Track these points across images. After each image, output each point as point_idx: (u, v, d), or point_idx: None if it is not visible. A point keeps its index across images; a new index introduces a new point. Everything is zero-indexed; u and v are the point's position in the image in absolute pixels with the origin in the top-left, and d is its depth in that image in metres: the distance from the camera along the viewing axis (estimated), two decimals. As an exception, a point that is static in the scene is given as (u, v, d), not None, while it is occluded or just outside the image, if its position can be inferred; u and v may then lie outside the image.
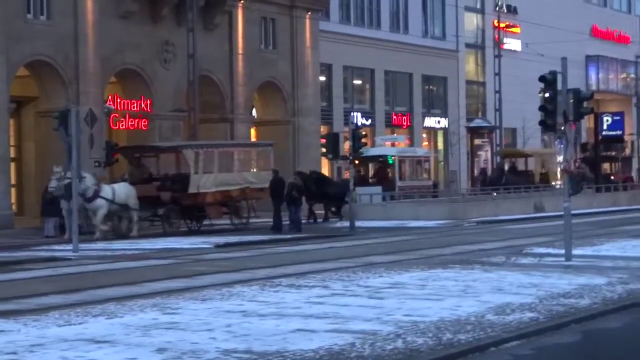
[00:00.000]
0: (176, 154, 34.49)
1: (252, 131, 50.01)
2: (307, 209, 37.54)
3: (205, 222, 34.53)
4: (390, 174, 41.02)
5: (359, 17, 61.66)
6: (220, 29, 45.78)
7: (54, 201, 31.60)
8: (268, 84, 49.61)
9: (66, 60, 38.53)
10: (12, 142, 39.42)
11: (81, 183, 26.84)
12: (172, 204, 31.85)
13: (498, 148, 66.86)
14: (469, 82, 71.64)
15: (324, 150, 40.85)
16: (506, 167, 58.09)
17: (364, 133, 42.63)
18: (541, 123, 25.06)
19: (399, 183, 38.75)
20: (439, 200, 49.78)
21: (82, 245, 27.47)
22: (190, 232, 32.63)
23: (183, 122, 43.54)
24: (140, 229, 32.28)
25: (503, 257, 22.95)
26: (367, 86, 63.66)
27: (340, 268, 21.16)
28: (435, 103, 68.91)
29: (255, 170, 35.69)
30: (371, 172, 44.18)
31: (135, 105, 42.69)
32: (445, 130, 68.57)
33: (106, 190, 28.74)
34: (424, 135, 68.06)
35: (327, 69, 57.25)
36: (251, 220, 35.07)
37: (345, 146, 43.00)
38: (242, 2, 46.26)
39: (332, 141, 39.47)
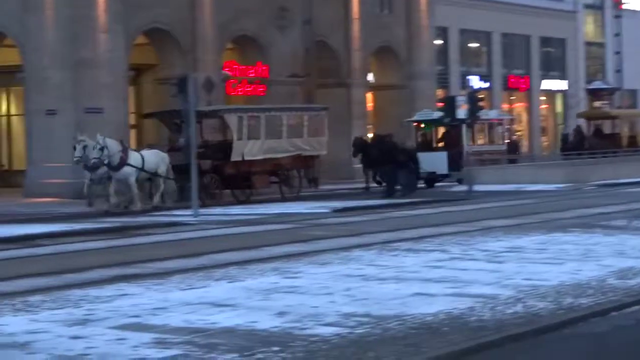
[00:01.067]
0: (218, 118, 31.78)
1: (369, 95, 49.15)
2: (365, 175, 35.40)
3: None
4: (457, 138, 37.16)
5: None
6: None
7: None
8: (384, 49, 48.65)
9: (184, 27, 38.59)
10: (131, 109, 39.86)
11: (104, 150, 25.53)
12: (212, 173, 29.40)
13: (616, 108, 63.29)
14: (587, 44, 69.42)
15: (441, 113, 39.62)
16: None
17: (481, 96, 42.56)
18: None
19: (467, 148, 35.55)
20: (558, 163, 49.05)
21: (202, 211, 27.39)
22: (240, 202, 30.11)
23: (299, 88, 42.71)
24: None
25: (625, 220, 22.08)
26: (484, 49, 62.46)
27: (458, 232, 20.63)
28: (554, 65, 66.96)
29: (306, 136, 33.03)
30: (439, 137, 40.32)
31: (252, 71, 42.64)
32: (564, 93, 67.06)
33: (135, 156, 26.80)
34: (542, 98, 66.24)
35: (442, 32, 55.87)
36: (307, 191, 32.29)
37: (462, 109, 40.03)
38: None
39: (449, 105, 38.38)
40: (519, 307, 10.42)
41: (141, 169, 26.42)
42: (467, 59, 59.19)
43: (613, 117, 53.03)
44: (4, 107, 42.48)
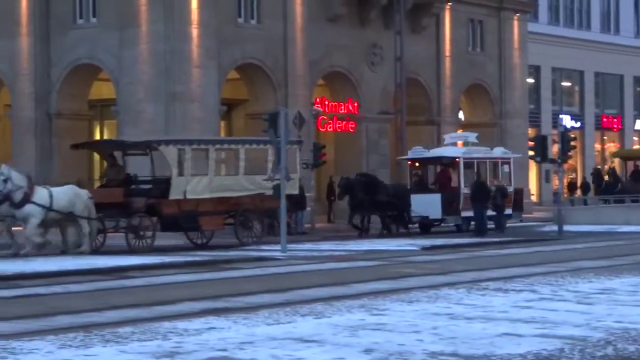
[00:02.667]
0: (151, 150, 27.01)
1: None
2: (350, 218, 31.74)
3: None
4: (453, 179, 33.51)
5: (568, 18, 59.73)
6: (427, 31, 43.85)
7: None
8: (475, 86, 47.41)
9: (275, 63, 38.07)
10: None
11: (7, 184, 22.15)
12: (144, 213, 25.10)
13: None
14: None
15: (531, 153, 37.90)
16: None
17: (573, 136, 40.41)
18: None
19: (464, 189, 32.32)
20: None
21: (290, 246, 26.51)
22: (197, 246, 26.42)
23: (390, 125, 41.76)
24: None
25: None
26: (576, 88, 61.41)
27: (548, 272, 19.85)
28: None
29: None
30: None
31: (342, 107, 41.58)
32: None
33: (41, 193, 22.84)
34: (635, 138, 64.26)
35: (534, 70, 54.79)
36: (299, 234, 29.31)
37: (554, 149, 38.88)
38: (449, 4, 44.70)
39: (540, 144, 36.29)
40: (609, 350, 9.61)
41: (48, 208, 22.66)
42: (559, 98, 58.21)
43: None
44: (100, 138, 42.21)
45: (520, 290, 15.73)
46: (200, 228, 26.21)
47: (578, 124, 56.38)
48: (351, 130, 40.74)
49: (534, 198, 51.50)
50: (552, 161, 37.31)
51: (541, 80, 55.80)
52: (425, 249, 27.40)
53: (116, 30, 35.93)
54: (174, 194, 24.90)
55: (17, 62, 38.94)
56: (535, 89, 54.68)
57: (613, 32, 61.03)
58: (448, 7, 44.38)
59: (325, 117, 40.07)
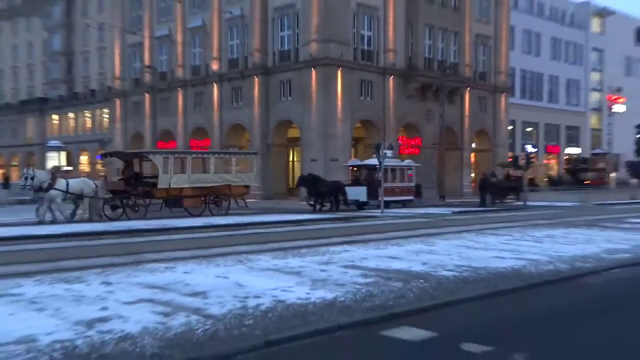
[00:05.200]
0: (147, 158, 28.33)
1: (473, 155, 50.29)
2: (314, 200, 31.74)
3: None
4: (376, 178, 32.13)
5: (530, 95, 63.83)
6: (456, 103, 46.81)
7: None
8: (481, 130, 50.67)
9: (379, 118, 43.05)
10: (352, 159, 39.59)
11: (34, 180, 22.22)
12: (133, 195, 25.38)
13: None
14: (592, 129, 71.53)
15: (509, 161, 40.96)
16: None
17: (532, 156, 42.98)
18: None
19: (384, 184, 31.06)
20: (575, 191, 49.77)
21: (386, 211, 29.19)
22: (193, 216, 26.42)
23: (437, 151, 43.25)
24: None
25: (612, 223, 22.22)
26: (534, 131, 65.31)
27: (519, 225, 21.28)
28: (573, 140, 69.30)
29: (234, 172, 28.29)
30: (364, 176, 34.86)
31: (412, 141, 45.57)
32: (578, 155, 68.29)
33: (60, 183, 22.81)
34: (565, 157, 68.11)
35: (512, 122, 56.97)
36: (237, 209, 28.29)
37: (522, 162, 39.84)
38: (468, 89, 47.46)
39: (515, 160, 39.54)
40: (550, 267, 11.05)
41: (65, 192, 22.79)
42: (525, 136, 63.75)
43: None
44: (292, 157, 46.90)
45: (504, 235, 17.26)
46: (182, 204, 26.49)
47: (535, 150, 60.77)
48: (417, 153, 45.09)
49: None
50: (521, 167, 39.39)
51: (515, 127, 61.43)
52: (455, 213, 28.99)
53: (300, 103, 41.30)
54: (161, 185, 25.52)
55: (253, 119, 44.59)
56: (512, 132, 59.38)
57: (554, 101, 67.47)
58: (467, 90, 48.82)
59: (403, 146, 44.91)
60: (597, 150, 69.02)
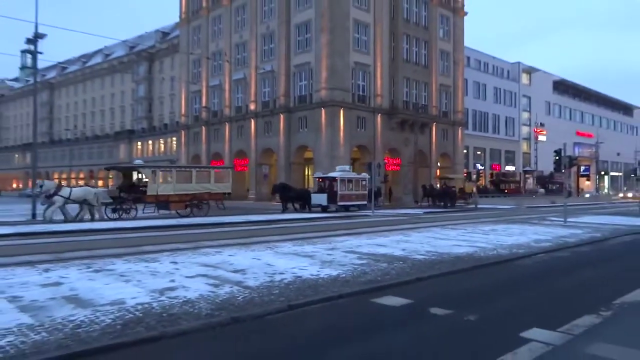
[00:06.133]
0: (138, 171, 25.97)
1: (437, 171, 47.32)
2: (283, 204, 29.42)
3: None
4: (334, 186, 30.04)
5: (479, 127, 61.46)
6: (426, 133, 45.69)
7: None
8: (444, 153, 48.36)
9: (371, 144, 41.05)
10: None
11: (43, 187, 20.47)
12: (127, 201, 23.05)
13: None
14: (524, 153, 68.66)
15: (466, 176, 43.25)
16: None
17: (481, 173, 49.13)
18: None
19: (339, 192, 29.63)
20: (514, 198, 49.96)
21: (377, 212, 28.03)
22: (181, 216, 23.82)
23: (412, 167, 43.07)
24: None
25: (537, 220, 21.98)
26: (482, 154, 62.55)
27: (471, 222, 20.34)
28: (510, 160, 66.45)
29: (212, 182, 25.63)
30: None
31: (395, 161, 43.88)
32: (513, 172, 66.11)
33: (64, 191, 20.87)
34: (507, 172, 65.32)
35: (466, 148, 55.28)
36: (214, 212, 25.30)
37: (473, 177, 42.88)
38: (434, 124, 45.93)
39: (469, 176, 43.21)
40: (494, 252, 11.00)
41: (67, 198, 20.54)
42: (476, 158, 62.07)
43: (450, 179, 39.90)
44: (307, 172, 44.61)
45: (460, 229, 16.57)
46: (170, 208, 24.41)
47: (482, 167, 61.61)
48: (397, 169, 44.55)
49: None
50: (472, 180, 43.08)
51: (469, 151, 59.54)
52: (426, 213, 28.11)
53: (313, 133, 39.85)
54: (150, 192, 23.47)
55: (279, 144, 43.43)
56: (466, 154, 57.66)
57: (496, 132, 65.36)
58: (434, 124, 47.48)
59: (388, 165, 43.35)
60: (527, 168, 68.88)
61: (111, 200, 22.87)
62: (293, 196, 29.51)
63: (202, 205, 24.93)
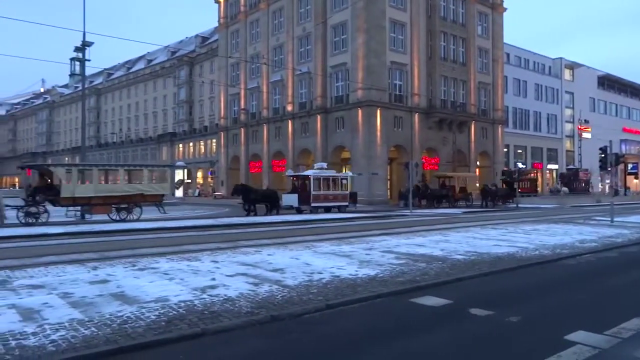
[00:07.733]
0: (49, 171, 22.18)
1: (477, 170, 47.28)
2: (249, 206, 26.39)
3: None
4: (308, 187, 28.20)
5: (519, 125, 61.50)
6: (465, 132, 45.82)
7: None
8: (483, 152, 48.45)
9: (408, 144, 41.29)
10: (388, 176, 40.84)
11: None
12: (42, 204, 20.25)
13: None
14: (567, 151, 68.16)
15: (503, 177, 41.07)
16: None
17: (523, 171, 46.31)
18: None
19: (313, 192, 27.79)
20: (553, 196, 51.05)
21: (415, 211, 28.00)
22: (116, 221, 21.16)
23: (451, 166, 42.60)
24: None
25: (582, 219, 21.50)
26: (523, 153, 62.61)
27: (511, 222, 20.45)
28: (552, 159, 66.12)
29: (145, 182, 22.83)
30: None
31: (433, 160, 43.47)
32: (556, 170, 66.36)
33: None
34: (548, 173, 65.77)
35: (507, 147, 55.42)
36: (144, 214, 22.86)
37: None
38: (474, 122, 45.95)
39: (510, 174, 40.21)
40: (536, 253, 10.74)
41: None
42: (517, 157, 61.99)
43: (449, 177, 37.91)
44: (344, 172, 39.19)
45: (501, 228, 16.84)
46: (92, 210, 22.28)
47: (524, 166, 59.98)
48: (436, 168, 44.05)
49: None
50: (513, 179, 39.16)
51: (509, 150, 59.87)
52: (464, 213, 27.73)
53: (350, 133, 40.43)
54: (64, 194, 20.75)
55: (316, 145, 42.69)
56: (507, 153, 57.87)
57: (538, 130, 64.97)
58: (473, 123, 47.48)
59: (426, 164, 43.54)
60: (571, 166, 67.28)
61: (23, 204, 20.28)
62: (256, 198, 26.62)
63: (132, 208, 22.21)
